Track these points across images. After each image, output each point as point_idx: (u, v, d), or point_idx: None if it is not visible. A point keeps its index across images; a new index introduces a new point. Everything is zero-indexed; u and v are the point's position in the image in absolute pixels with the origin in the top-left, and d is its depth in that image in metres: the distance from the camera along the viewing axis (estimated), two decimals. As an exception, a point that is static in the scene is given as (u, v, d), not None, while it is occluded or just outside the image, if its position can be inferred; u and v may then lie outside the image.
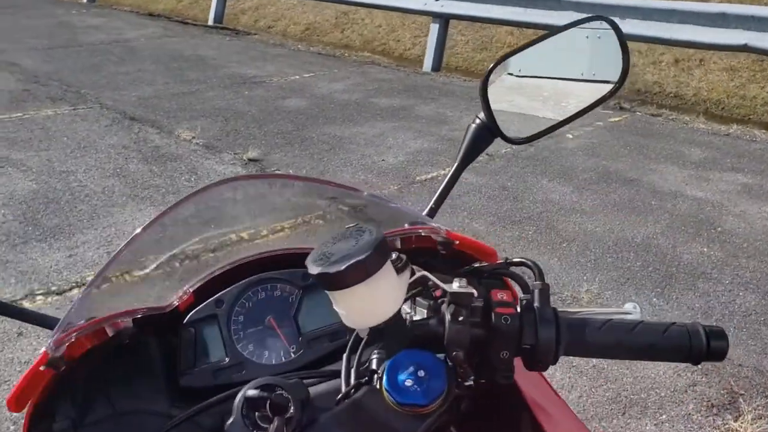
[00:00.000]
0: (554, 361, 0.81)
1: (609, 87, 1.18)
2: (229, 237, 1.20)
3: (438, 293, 0.88)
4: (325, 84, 7.49)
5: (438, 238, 0.99)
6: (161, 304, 1.01)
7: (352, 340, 0.90)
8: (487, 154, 5.01)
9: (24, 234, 3.92)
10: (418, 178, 4.76)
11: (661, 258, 3.70)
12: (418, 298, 0.96)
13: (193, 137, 5.54)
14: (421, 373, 0.77)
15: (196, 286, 1.05)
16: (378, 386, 0.79)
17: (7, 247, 3.80)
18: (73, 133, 5.58)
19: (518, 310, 0.81)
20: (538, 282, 0.84)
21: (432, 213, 1.18)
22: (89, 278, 3.44)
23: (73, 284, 3.45)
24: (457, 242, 0.99)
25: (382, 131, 5.78)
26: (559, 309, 0.83)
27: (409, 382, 0.77)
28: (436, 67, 8.32)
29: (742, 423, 2.54)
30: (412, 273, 0.82)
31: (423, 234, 1.00)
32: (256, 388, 0.77)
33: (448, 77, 8.13)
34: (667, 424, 2.56)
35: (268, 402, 0.75)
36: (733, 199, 4.50)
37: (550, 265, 3.59)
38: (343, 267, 0.71)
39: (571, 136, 5.69)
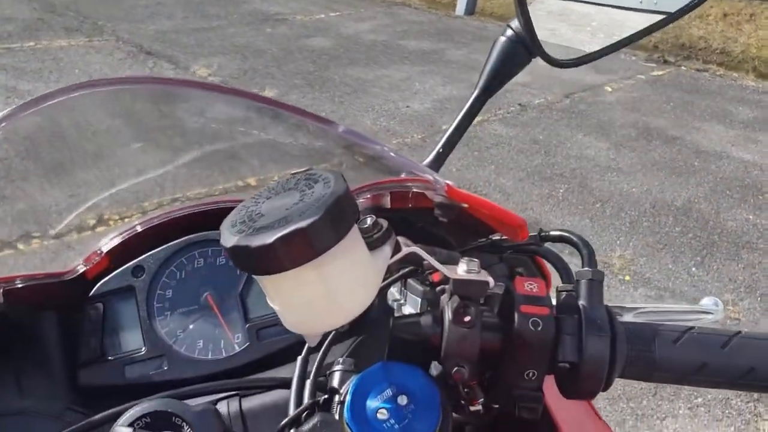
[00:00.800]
0: (606, 387, 0.56)
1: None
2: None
3: (437, 277, 0.62)
4: (351, 24, 7.13)
5: (434, 196, 0.68)
6: (62, 270, 0.77)
7: None
8: (519, 104, 4.69)
9: (24, 170, 3.73)
10: (444, 127, 4.45)
11: (702, 224, 3.41)
12: (410, 281, 0.71)
13: (209, 74, 5.28)
14: (403, 400, 0.53)
15: (109, 247, 0.80)
16: (338, 415, 0.54)
17: (4, 184, 3.62)
18: (86, 66, 5.34)
19: (554, 309, 0.55)
20: (586, 268, 0.58)
21: (438, 160, 0.90)
22: (90, 221, 3.26)
23: (72, 227, 3.27)
24: (465, 205, 0.66)
25: (409, 75, 5.45)
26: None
27: (382, 414, 0.52)
28: (470, 10, 7.90)
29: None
30: (398, 248, 0.57)
31: (415, 190, 0.69)
32: (133, 421, 0.51)
33: (482, 22, 7.71)
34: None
35: None
36: (783, 163, 4.15)
37: (581, 227, 3.31)
38: (272, 239, 0.45)
39: (610, 89, 5.32)
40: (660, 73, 5.93)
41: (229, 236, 0.47)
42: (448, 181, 0.62)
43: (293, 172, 0.52)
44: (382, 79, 5.35)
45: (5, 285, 0.70)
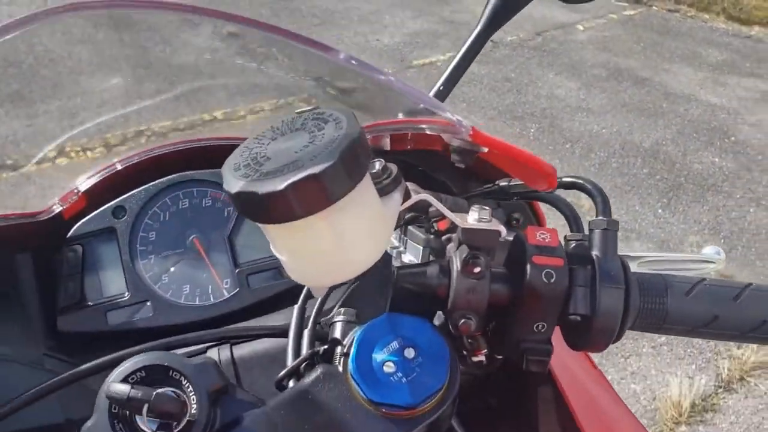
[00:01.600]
0: (616, 340, 0.54)
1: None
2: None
3: (443, 225, 0.60)
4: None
5: (453, 140, 0.64)
6: (36, 210, 0.73)
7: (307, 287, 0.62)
8: (491, 41, 4.62)
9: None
10: (415, 62, 4.38)
11: (669, 166, 3.44)
12: (411, 228, 0.68)
13: None
14: (410, 353, 0.51)
15: (88, 185, 0.76)
16: (341, 367, 0.52)
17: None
18: None
19: (566, 260, 0.53)
20: (600, 217, 0.56)
21: (439, 97, 0.86)
22: (50, 153, 3.15)
23: (31, 157, 3.16)
24: (486, 149, 0.61)
25: (378, 8, 5.32)
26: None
27: (389, 367, 0.50)
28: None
29: None
30: (407, 195, 0.54)
31: (428, 132, 0.64)
32: (127, 376, 0.48)
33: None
34: None
35: (147, 406, 0.46)
36: (750, 107, 4.19)
37: (551, 168, 3.31)
38: (282, 185, 0.41)
39: (582, 28, 5.27)
40: (632, 12, 5.89)
41: (233, 180, 0.43)
42: (472, 125, 0.58)
43: (299, 111, 0.48)
44: (351, 11, 5.21)
45: None
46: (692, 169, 3.44)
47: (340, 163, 0.42)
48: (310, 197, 0.42)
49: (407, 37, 4.78)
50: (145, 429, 0.46)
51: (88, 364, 0.61)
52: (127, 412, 0.46)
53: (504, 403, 0.69)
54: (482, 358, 0.58)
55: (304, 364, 0.55)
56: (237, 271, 0.76)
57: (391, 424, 0.49)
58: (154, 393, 0.45)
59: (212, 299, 0.74)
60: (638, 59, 4.79)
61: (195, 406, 0.47)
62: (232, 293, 0.75)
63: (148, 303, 0.74)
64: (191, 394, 0.47)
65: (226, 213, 0.77)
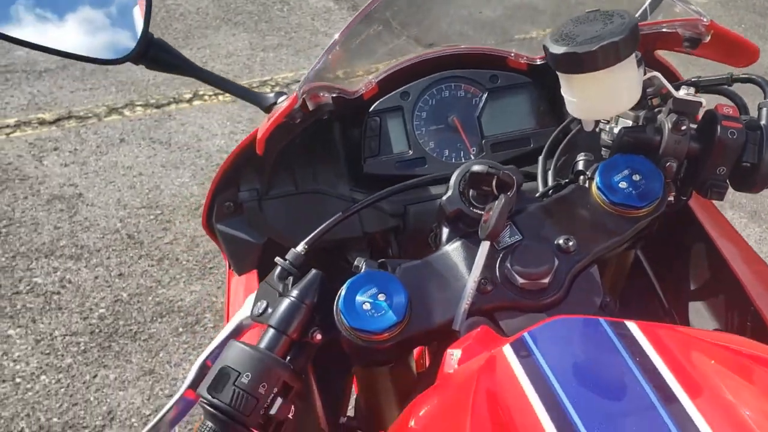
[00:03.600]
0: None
1: None
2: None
3: (654, 102, 0.85)
4: None
5: (686, 32, 0.86)
6: (350, 90, 1.00)
7: (549, 142, 0.91)
8: None
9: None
10: (516, 36, 4.57)
11: None
12: None
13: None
14: (636, 177, 0.75)
15: (381, 77, 1.02)
16: (587, 186, 0.78)
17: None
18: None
19: (744, 125, 0.77)
20: (767, 100, 0.80)
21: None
22: (186, 95, 3.49)
23: (171, 99, 3.52)
24: (708, 38, 0.85)
25: (484, -21, 5.50)
26: None
27: (623, 184, 0.74)
28: None
29: None
30: (644, 72, 0.77)
31: (666, 30, 0.88)
32: (477, 165, 0.74)
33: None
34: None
35: (495, 178, 0.72)
36: None
37: None
38: (595, 47, 0.66)
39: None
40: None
41: (557, 47, 0.68)
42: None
43: (588, 11, 0.74)
44: (458, -20, 5.40)
45: (327, 92, 0.92)
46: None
47: (629, 37, 0.67)
48: (610, 56, 0.66)
49: (508, 10, 4.97)
50: (474, 201, 0.73)
51: (380, 192, 0.88)
52: (467, 189, 0.73)
53: (666, 235, 0.94)
54: (671, 198, 0.83)
55: (552, 190, 0.82)
56: (483, 141, 1.02)
57: (622, 219, 0.74)
58: (501, 171, 0.72)
59: (463, 159, 1.01)
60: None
61: (515, 187, 0.72)
62: (479, 156, 1.01)
63: (425, 159, 1.01)
64: (515, 179, 0.72)
65: (474, 101, 1.03)
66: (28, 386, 2.13)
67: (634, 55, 0.70)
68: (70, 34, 0.90)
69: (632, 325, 0.59)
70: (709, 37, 0.85)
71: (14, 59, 3.78)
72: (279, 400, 0.64)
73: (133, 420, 2.07)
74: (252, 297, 0.75)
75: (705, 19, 0.83)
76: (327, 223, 0.81)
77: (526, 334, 0.60)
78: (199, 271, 2.57)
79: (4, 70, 3.68)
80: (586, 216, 0.75)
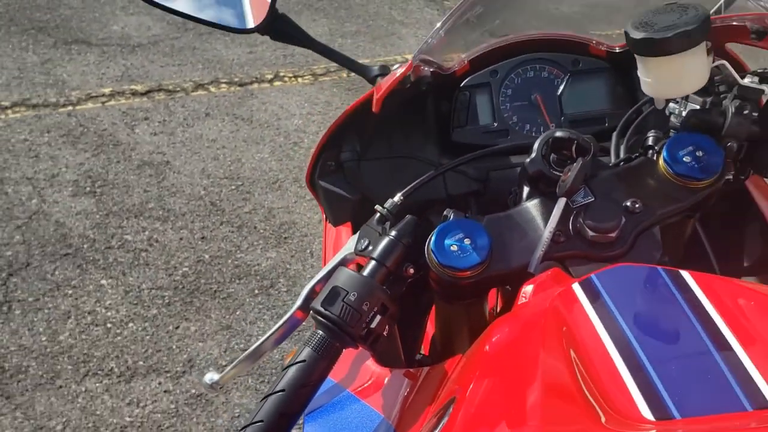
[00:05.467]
0: None
1: None
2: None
3: (721, 89, 0.93)
4: None
5: (755, 24, 0.89)
6: (444, 68, 1.11)
7: (623, 121, 0.99)
8: None
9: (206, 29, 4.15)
10: (591, 31, 4.59)
11: None
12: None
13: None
14: (699, 153, 0.82)
15: (473, 56, 1.12)
16: (654, 159, 0.85)
17: (194, 36, 4.05)
18: None
19: None
20: None
21: None
22: (267, 75, 3.66)
23: (253, 78, 3.70)
24: None
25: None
26: None
27: (687, 159, 0.81)
28: None
29: None
30: (713, 60, 0.83)
31: (735, 24, 0.93)
32: (560, 131, 0.82)
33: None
34: None
35: (575, 143, 0.81)
36: None
37: None
38: (670, 34, 0.74)
39: None
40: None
41: (637, 32, 0.76)
42: None
43: (667, 3, 0.83)
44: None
45: (427, 66, 1.05)
46: None
47: (700, 27, 0.75)
48: (683, 42, 0.75)
49: (586, 8, 4.97)
50: (554, 165, 0.84)
51: (468, 155, 0.99)
52: (548, 153, 0.84)
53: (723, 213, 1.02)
54: (730, 176, 0.91)
55: (622, 162, 0.92)
56: (562, 118, 1.11)
57: (685, 190, 0.82)
58: (581, 137, 0.82)
59: (542, 133, 1.12)
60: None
61: (592, 152, 0.81)
62: None
63: (508, 131, 1.11)
64: (593, 145, 0.81)
65: (556, 82, 1.12)
66: (118, 331, 2.34)
67: (704, 43, 0.80)
68: (209, 4, 1.05)
69: (686, 275, 0.68)
70: None
71: (111, 33, 4.03)
72: (378, 317, 0.76)
73: (210, 369, 2.25)
74: (354, 237, 0.87)
75: None
76: (421, 179, 0.93)
77: (593, 275, 0.68)
78: (275, 239, 2.74)
79: (101, 43, 3.93)
80: (653, 184, 0.84)
